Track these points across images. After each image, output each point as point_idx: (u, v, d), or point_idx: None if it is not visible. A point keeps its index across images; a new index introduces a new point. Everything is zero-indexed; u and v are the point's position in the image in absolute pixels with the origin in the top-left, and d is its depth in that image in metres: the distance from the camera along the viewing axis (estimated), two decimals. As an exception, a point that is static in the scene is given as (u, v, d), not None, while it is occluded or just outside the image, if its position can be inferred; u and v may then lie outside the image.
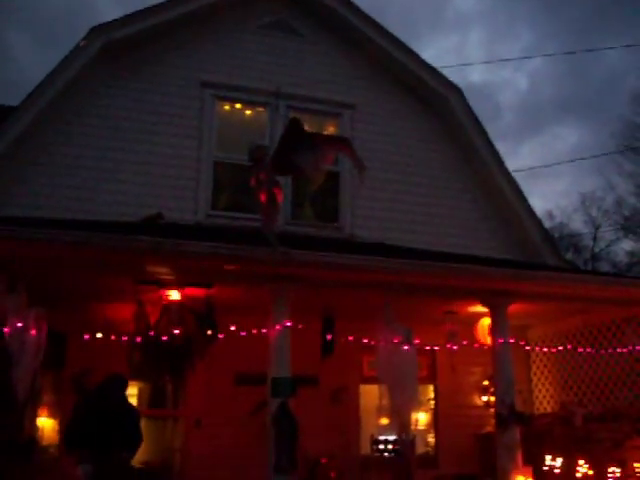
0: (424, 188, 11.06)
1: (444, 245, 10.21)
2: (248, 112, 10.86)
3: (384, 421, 8.86)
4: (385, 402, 7.79)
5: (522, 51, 59.70)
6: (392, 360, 7.27)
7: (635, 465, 8.12)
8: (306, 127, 7.94)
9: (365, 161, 10.65)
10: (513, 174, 11.39)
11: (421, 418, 10.89)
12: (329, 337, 7.44)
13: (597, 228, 34.19)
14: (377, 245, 9.56)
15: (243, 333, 7.33)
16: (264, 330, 7.06)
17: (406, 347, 7.28)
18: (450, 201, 11.16)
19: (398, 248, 9.18)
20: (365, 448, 9.71)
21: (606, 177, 33.81)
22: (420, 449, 10.50)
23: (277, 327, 6.87)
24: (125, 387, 6.89)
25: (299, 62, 11.00)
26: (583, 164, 48.56)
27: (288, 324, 6.87)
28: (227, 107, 10.70)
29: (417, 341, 7.50)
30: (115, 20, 9.98)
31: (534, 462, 8.10)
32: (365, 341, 7.80)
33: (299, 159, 7.23)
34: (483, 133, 11.21)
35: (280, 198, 7.47)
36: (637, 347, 8.70)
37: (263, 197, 7.27)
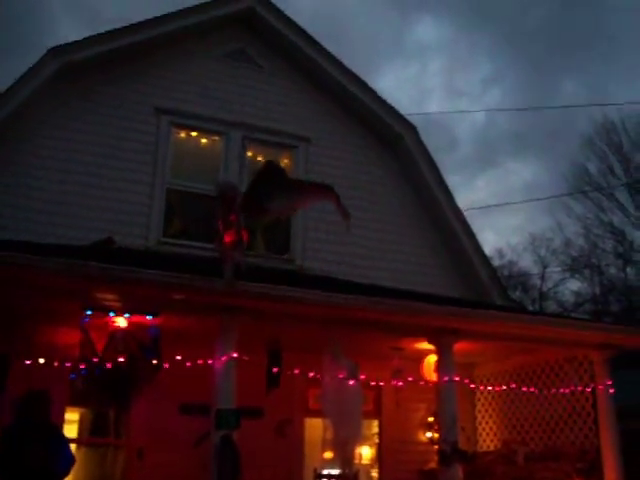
0: (377, 223, 11.16)
1: (394, 280, 10.28)
2: (204, 140, 10.89)
3: (328, 455, 8.83)
4: (329, 436, 7.80)
5: (481, 82, 60.82)
6: (337, 394, 7.28)
7: (573, 504, 8.24)
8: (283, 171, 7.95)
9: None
10: (464, 212, 11.60)
11: (365, 453, 10.88)
12: (275, 370, 7.40)
13: (545, 268, 34.87)
14: (326, 279, 9.59)
15: (188, 364, 7.26)
16: (210, 361, 7.01)
17: (351, 382, 7.31)
18: (402, 237, 11.29)
19: (347, 282, 9.22)
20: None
21: (556, 218, 34.51)
22: (365, 483, 10.50)
23: (222, 358, 6.82)
24: (49, 404, 6.76)
25: (257, 93, 11.09)
26: (537, 204, 49.40)
27: (234, 355, 6.83)
28: (183, 134, 10.73)
29: (363, 376, 7.54)
30: (74, 42, 9.95)
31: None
32: (311, 374, 7.79)
33: (272, 204, 7.24)
34: (436, 171, 11.40)
35: (246, 239, 7.32)
36: (578, 387, 8.86)
37: (228, 239, 7.05)
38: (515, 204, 46.83)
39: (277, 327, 7.51)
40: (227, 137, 10.72)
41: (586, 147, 33.91)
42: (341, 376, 7.32)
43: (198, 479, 7.39)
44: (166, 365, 7.09)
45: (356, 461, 10.72)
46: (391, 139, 11.48)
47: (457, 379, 7.96)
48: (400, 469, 10.04)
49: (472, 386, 9.56)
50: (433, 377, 8.34)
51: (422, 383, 8.70)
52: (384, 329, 7.92)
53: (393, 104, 11.51)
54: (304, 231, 10.65)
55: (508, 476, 8.86)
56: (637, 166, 33.17)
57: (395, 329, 7.97)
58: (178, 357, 7.24)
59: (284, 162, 11.10)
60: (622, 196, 33.51)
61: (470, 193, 44.31)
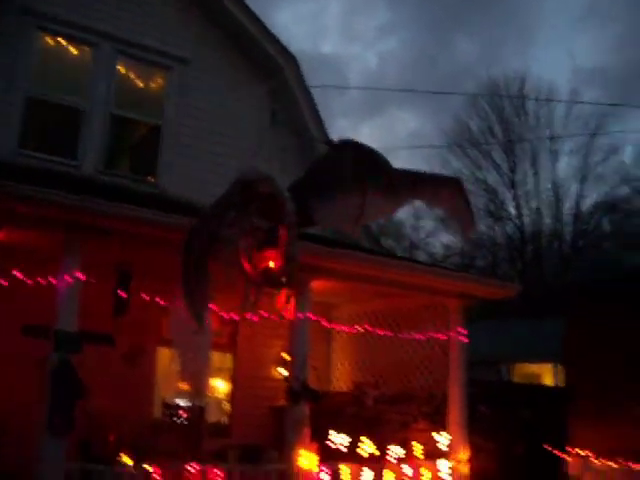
0: (249, 155, 10.84)
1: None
2: (73, 50, 10.14)
3: (182, 386, 8.63)
4: (178, 366, 7.58)
5: (377, 29, 60.56)
6: (186, 324, 7.02)
7: (415, 445, 8.39)
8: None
9: (191, 119, 10.44)
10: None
11: (220, 386, 10.75)
12: (123, 294, 7.05)
13: (418, 219, 35.62)
14: (191, 205, 9.24)
15: (30, 281, 6.79)
16: (54, 280, 6.58)
17: (202, 312, 7.04)
18: (274, 173, 11.02)
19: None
20: (158, 412, 9.44)
21: (433, 171, 35.15)
22: (215, 417, 10.36)
23: (66, 278, 6.41)
24: None
25: (135, 7, 10.36)
26: (416, 155, 50.24)
27: (78, 275, 6.42)
28: (50, 41, 9.92)
29: (215, 308, 7.29)
30: None
31: (322, 439, 8.16)
32: (161, 302, 7.48)
33: (356, 208, 4.99)
34: (313, 107, 11.16)
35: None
36: (432, 334, 8.99)
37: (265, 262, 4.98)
38: (400, 150, 47.41)
39: (128, 250, 7.11)
40: (98, 49, 9.99)
41: (470, 105, 34.59)
42: (192, 306, 7.04)
43: (40, 402, 7.04)
44: (5, 283, 6.63)
45: (210, 394, 10.61)
46: (271, 71, 11.09)
47: (312, 317, 7.86)
48: (253, 404, 9.96)
49: (327, 325, 9.52)
50: (288, 314, 8.21)
51: (276, 319, 8.54)
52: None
53: (281, 38, 11.13)
54: (173, 157, 10.19)
55: (357, 417, 8.93)
56: (515, 129, 34.19)
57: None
58: (17, 274, 6.75)
59: (158, 82, 10.56)
60: (498, 156, 34.55)
61: (356, 138, 44.37)
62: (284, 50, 11.03)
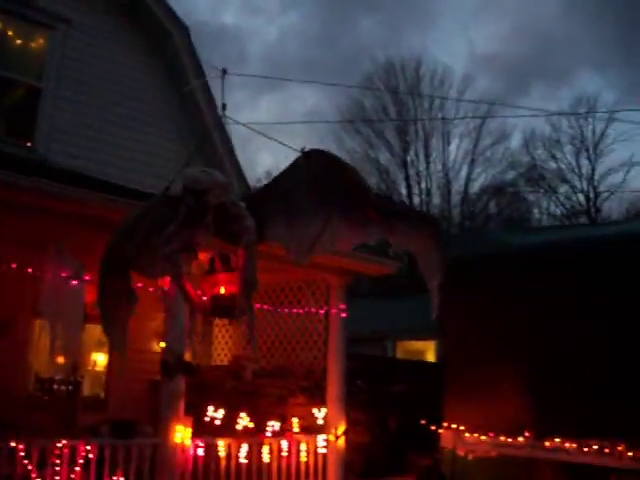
0: (135, 123, 10.55)
1: (146, 185, 9.79)
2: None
3: (57, 360, 8.35)
4: (51, 339, 7.30)
5: (280, 2, 59.87)
6: (56, 294, 6.78)
7: (293, 419, 8.43)
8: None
9: (76, 84, 10.04)
10: (227, 125, 11.31)
11: (100, 359, 10.49)
12: (-16, 261, 6.72)
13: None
14: (69, 173, 8.90)
15: None
16: None
17: (74, 282, 6.81)
18: (160, 141, 10.80)
19: (91, 179, 8.59)
20: (32, 387, 9.13)
21: (327, 148, 35.31)
22: (92, 392, 10.12)
23: None
24: None
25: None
26: (314, 133, 50.25)
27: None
28: None
29: (88, 277, 7.05)
30: None
31: (200, 413, 8.08)
32: (30, 271, 7.17)
33: (312, 231, 4.30)
34: (202, 77, 10.95)
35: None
36: (312, 309, 9.03)
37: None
38: (297, 125, 47.36)
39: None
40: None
41: (365, 84, 34.89)
42: (64, 275, 6.80)
43: None
44: None
45: (86, 368, 10.34)
46: (160, 36, 10.81)
47: (190, 289, 7.70)
48: (131, 378, 9.66)
49: (204, 298, 9.40)
50: (165, 285, 8.04)
51: (152, 290, 8.35)
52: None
53: (176, 6, 10.88)
54: (52, 121, 9.78)
55: (236, 391, 8.89)
56: (409, 110, 34.73)
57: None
58: None
59: (39, 42, 10.09)
60: (391, 136, 35.05)
61: (253, 112, 44.18)
62: (174, 16, 10.76)
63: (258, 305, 9.11)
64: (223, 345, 10.48)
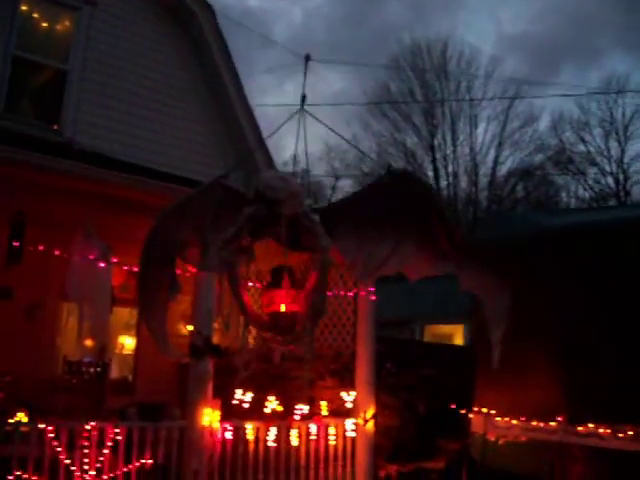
0: (161, 106, 10.49)
1: (173, 167, 9.74)
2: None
3: (85, 342, 8.36)
4: (79, 322, 7.31)
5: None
6: (84, 277, 6.75)
7: (321, 403, 8.37)
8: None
9: (101, 65, 9.99)
10: (252, 105, 11.24)
11: (128, 343, 10.51)
12: (16, 244, 6.70)
13: (337, 179, 35.64)
14: (95, 155, 8.86)
15: None
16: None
17: (102, 264, 6.78)
18: (186, 123, 10.74)
19: (117, 161, 8.55)
20: (60, 370, 9.15)
21: (353, 132, 35.24)
22: (120, 374, 10.14)
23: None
24: None
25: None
26: (341, 116, 50.00)
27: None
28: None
29: (115, 260, 7.03)
30: None
31: (228, 396, 8.04)
32: (57, 252, 7.14)
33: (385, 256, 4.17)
34: (228, 57, 10.87)
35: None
36: (341, 292, 8.93)
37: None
38: (321, 108, 47.04)
39: (25, 198, 6.76)
40: (-1, -15, 9.46)
41: (393, 67, 34.58)
42: (91, 257, 6.77)
43: None
44: None
45: (114, 351, 10.36)
46: (184, 16, 10.73)
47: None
48: (161, 361, 9.67)
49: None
50: (192, 267, 7.99)
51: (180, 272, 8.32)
52: (143, 211, 7.38)
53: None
54: (79, 103, 9.74)
55: (263, 374, 8.82)
56: (435, 93, 34.39)
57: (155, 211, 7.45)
58: None
59: (65, 24, 10.04)
60: (418, 119, 34.73)
61: (280, 96, 43.97)
62: (200, -1, 10.69)
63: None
64: (251, 328, 10.40)
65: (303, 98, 4.99)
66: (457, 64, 34.66)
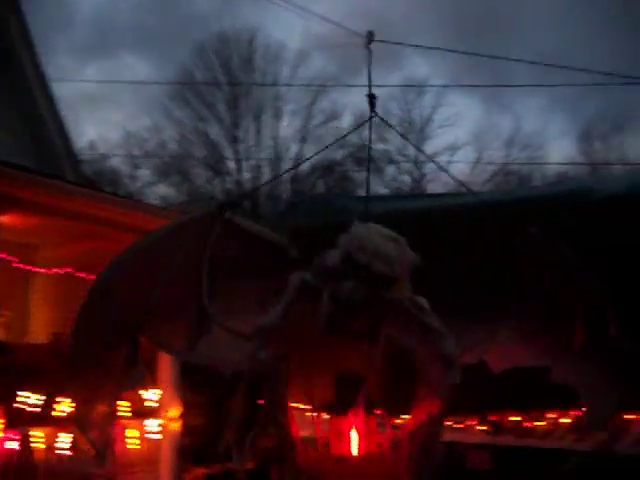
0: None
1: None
2: None
3: None
4: None
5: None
6: None
7: (123, 404, 7.64)
8: None
9: None
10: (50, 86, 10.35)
11: None
12: None
13: (136, 168, 34.30)
14: None
15: None
16: None
17: None
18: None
19: None
20: None
21: (154, 119, 34.11)
22: None
23: None
24: None
25: None
26: (140, 101, 48.47)
27: None
28: None
29: None
30: None
31: (13, 399, 7.11)
32: None
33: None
34: (25, 32, 9.91)
35: None
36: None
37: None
38: (125, 96, 45.32)
39: None
40: None
41: (197, 54, 33.80)
42: None
43: None
44: None
45: None
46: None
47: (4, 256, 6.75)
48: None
49: (22, 267, 8.38)
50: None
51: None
52: None
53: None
54: None
55: (57, 373, 7.95)
56: (240, 84, 34.01)
57: None
58: None
59: None
60: (222, 109, 34.22)
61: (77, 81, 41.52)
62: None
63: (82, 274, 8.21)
64: (43, 323, 9.42)
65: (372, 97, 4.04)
66: (264, 56, 34.45)
